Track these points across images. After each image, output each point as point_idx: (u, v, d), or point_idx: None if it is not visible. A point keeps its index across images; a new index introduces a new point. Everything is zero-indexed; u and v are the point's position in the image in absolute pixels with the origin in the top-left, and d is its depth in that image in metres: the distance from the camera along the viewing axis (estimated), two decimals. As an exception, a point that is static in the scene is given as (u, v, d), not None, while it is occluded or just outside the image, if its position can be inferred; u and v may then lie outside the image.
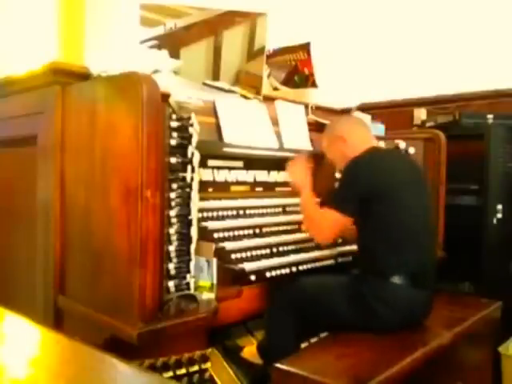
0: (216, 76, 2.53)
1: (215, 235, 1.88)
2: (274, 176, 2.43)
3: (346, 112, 2.97)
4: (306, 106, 2.67)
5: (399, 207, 1.81)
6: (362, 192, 1.81)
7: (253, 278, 1.74)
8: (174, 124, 1.51)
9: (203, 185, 1.90)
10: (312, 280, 1.94)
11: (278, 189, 2.44)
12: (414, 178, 1.95)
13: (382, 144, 2.37)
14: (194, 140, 1.54)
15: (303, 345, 1.97)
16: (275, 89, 2.94)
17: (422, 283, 1.80)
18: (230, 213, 2.05)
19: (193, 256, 1.54)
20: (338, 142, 2.04)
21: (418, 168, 2.08)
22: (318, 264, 2.04)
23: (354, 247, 2.24)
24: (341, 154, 2.03)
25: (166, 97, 1.56)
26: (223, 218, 2.02)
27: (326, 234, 1.93)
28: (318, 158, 2.53)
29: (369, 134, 2.07)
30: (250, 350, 2.02)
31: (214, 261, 1.59)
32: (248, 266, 1.76)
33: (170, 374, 1.56)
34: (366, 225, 1.84)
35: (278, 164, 2.43)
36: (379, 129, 2.69)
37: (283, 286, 1.92)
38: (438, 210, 2.42)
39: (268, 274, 1.82)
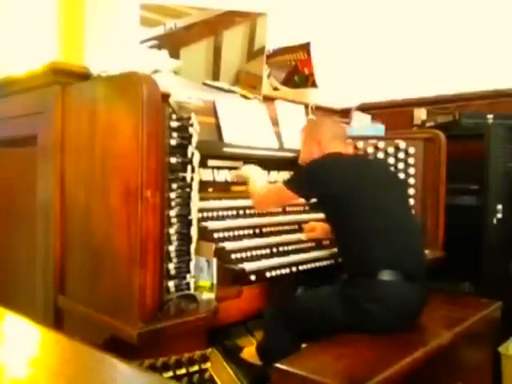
0: (216, 76, 2.53)
1: (215, 235, 1.88)
2: (274, 176, 2.43)
3: (345, 112, 2.97)
4: (306, 106, 2.67)
5: (369, 207, 1.83)
6: (323, 187, 1.87)
7: (253, 278, 1.74)
8: (174, 124, 1.51)
9: (203, 185, 1.91)
10: (306, 294, 1.97)
11: (277, 189, 2.44)
12: (386, 180, 2.00)
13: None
14: (194, 140, 1.54)
15: (303, 345, 1.97)
16: (275, 89, 2.95)
17: (410, 278, 1.78)
18: (229, 213, 2.05)
19: (193, 256, 1.54)
20: (313, 143, 2.07)
21: (391, 171, 2.19)
22: (317, 264, 2.04)
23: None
24: (310, 154, 2.07)
25: (166, 97, 1.56)
26: (223, 217, 2.02)
27: (266, 198, 2.06)
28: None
29: (342, 147, 2.08)
30: (249, 351, 2.02)
31: (214, 261, 1.59)
32: (248, 266, 1.76)
33: (170, 373, 1.56)
34: (341, 226, 1.87)
35: (278, 164, 2.43)
36: (379, 129, 2.69)
37: (278, 302, 1.93)
38: (438, 210, 2.42)
39: (268, 274, 1.82)
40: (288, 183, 1.98)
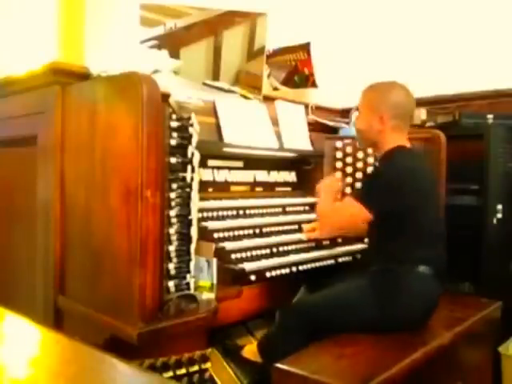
0: (216, 76, 2.53)
1: (215, 235, 1.88)
2: (274, 176, 2.43)
3: (345, 112, 2.97)
4: (306, 106, 2.67)
5: (426, 209, 1.84)
6: (397, 202, 1.79)
7: (253, 277, 1.74)
8: (174, 124, 1.51)
9: (203, 185, 1.91)
10: (325, 293, 1.87)
11: (277, 189, 2.45)
12: (434, 180, 1.97)
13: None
14: (194, 140, 1.54)
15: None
16: (275, 89, 2.94)
17: (438, 276, 1.82)
18: (229, 213, 2.05)
19: (193, 256, 1.54)
20: (374, 116, 1.90)
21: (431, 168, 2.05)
22: (317, 264, 2.04)
23: (355, 247, 2.24)
24: (368, 127, 1.93)
25: (166, 97, 1.56)
26: (223, 217, 2.02)
27: (339, 222, 1.91)
28: (318, 158, 2.53)
29: (405, 131, 1.96)
30: (250, 349, 2.01)
31: (214, 261, 1.59)
32: (248, 266, 1.76)
33: (170, 373, 1.55)
34: (396, 230, 1.82)
35: (278, 164, 2.43)
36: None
37: (292, 309, 1.90)
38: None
39: (268, 274, 1.82)
40: (360, 197, 1.84)
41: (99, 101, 1.53)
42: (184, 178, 1.52)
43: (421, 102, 2.95)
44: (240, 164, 2.26)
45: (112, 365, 0.73)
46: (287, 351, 1.63)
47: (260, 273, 1.79)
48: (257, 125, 2.26)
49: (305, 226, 2.19)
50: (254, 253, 1.90)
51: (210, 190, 2.11)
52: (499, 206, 2.39)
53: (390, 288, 1.77)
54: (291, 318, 1.86)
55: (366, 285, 1.83)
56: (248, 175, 2.31)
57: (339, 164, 2.53)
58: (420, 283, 1.78)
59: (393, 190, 1.80)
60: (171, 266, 1.49)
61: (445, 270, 1.87)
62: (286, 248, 2.04)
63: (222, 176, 2.18)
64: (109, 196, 1.48)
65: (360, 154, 2.50)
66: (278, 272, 1.86)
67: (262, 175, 2.37)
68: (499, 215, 2.39)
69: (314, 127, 2.64)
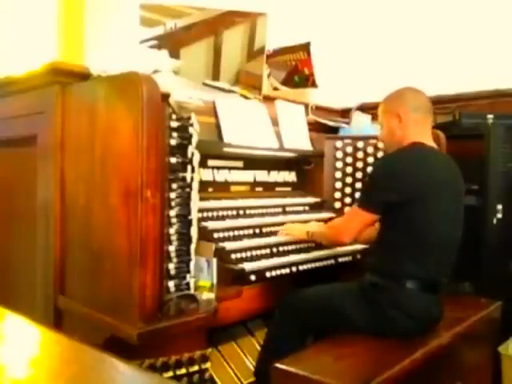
0: (216, 76, 2.53)
1: (215, 235, 1.88)
2: (274, 176, 2.43)
3: (345, 112, 2.97)
4: (306, 106, 2.67)
5: (427, 213, 1.76)
6: (389, 194, 1.76)
7: (253, 277, 1.74)
8: (174, 124, 1.51)
9: (203, 185, 1.90)
10: (318, 292, 1.90)
11: (277, 189, 2.45)
12: (450, 183, 1.88)
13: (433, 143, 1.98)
14: (194, 140, 1.54)
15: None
16: (275, 89, 2.95)
17: (433, 288, 1.77)
18: (229, 213, 2.05)
19: (193, 256, 1.54)
20: (392, 117, 1.92)
21: (457, 172, 1.96)
22: (318, 264, 2.04)
23: (355, 247, 2.24)
24: (389, 130, 1.94)
25: (165, 97, 1.56)
26: (223, 217, 2.02)
27: (349, 232, 1.87)
28: (318, 159, 2.53)
29: (427, 126, 1.94)
30: None
31: (214, 261, 1.59)
32: (248, 266, 1.76)
33: (170, 373, 1.56)
34: (392, 226, 1.80)
35: (278, 164, 2.43)
36: (379, 129, 2.68)
37: (287, 301, 1.90)
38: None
39: (268, 274, 1.82)
40: (358, 202, 1.86)
41: (99, 101, 1.53)
42: (184, 178, 1.52)
43: (421, 102, 2.95)
44: (240, 164, 2.26)
45: (112, 365, 0.73)
46: (284, 350, 1.64)
47: (260, 273, 1.79)
48: (257, 125, 2.26)
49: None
50: (254, 253, 1.90)
51: (210, 189, 2.11)
52: (499, 206, 2.39)
53: (378, 303, 1.75)
54: (285, 319, 1.87)
55: (358, 294, 1.82)
56: (248, 175, 2.31)
57: (339, 164, 2.53)
58: (407, 300, 1.73)
59: (377, 184, 1.82)
60: (171, 266, 1.49)
61: (445, 280, 1.81)
62: (285, 248, 2.04)
63: (221, 176, 2.18)
64: (109, 196, 1.48)
65: (360, 154, 2.50)
66: (278, 272, 1.86)
67: (261, 175, 2.37)
68: (499, 215, 2.39)
69: (314, 127, 2.64)
